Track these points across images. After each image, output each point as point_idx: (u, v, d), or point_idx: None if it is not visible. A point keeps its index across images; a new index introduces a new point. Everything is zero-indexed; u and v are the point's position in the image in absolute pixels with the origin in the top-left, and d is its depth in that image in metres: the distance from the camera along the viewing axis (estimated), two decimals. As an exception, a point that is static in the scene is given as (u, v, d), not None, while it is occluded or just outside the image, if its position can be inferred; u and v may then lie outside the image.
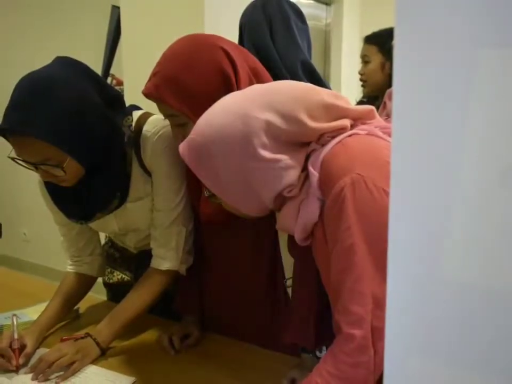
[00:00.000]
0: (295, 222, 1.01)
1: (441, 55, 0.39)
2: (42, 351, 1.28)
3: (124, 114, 1.29)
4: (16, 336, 1.25)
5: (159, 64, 1.17)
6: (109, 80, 3.03)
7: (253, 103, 0.96)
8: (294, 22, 1.54)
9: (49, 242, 3.13)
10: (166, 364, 1.27)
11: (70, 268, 1.48)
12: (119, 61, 2.75)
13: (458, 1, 0.38)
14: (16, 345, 1.23)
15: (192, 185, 1.31)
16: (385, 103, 2.14)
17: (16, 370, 1.20)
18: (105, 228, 1.44)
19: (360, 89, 2.57)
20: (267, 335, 1.31)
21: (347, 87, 3.77)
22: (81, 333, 1.31)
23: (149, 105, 1.27)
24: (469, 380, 0.43)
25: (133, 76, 2.46)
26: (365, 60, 2.45)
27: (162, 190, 1.32)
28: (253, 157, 0.95)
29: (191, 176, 1.14)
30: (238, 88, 1.12)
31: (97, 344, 1.26)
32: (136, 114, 1.33)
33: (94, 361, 1.25)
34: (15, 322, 1.31)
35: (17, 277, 2.08)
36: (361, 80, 2.50)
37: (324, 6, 3.82)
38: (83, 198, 1.28)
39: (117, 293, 1.57)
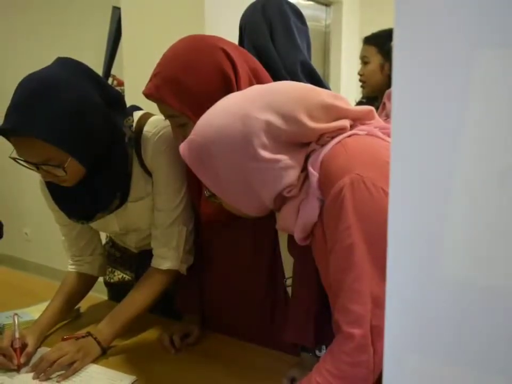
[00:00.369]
0: (295, 221, 1.01)
1: (440, 56, 0.39)
2: (43, 350, 1.28)
3: (124, 114, 1.30)
4: (17, 335, 1.25)
5: (159, 64, 1.18)
6: (109, 80, 3.03)
7: (253, 103, 0.97)
8: (293, 23, 1.55)
9: (51, 242, 3.13)
10: (167, 362, 1.27)
11: (71, 268, 1.48)
12: (119, 61, 2.76)
13: (458, 2, 0.38)
14: (17, 344, 1.23)
15: (193, 185, 1.31)
16: (384, 103, 2.15)
17: (18, 369, 1.21)
18: (106, 227, 1.45)
19: (360, 90, 2.58)
20: (267, 335, 1.32)
21: (346, 87, 3.77)
22: (82, 332, 1.31)
23: (150, 106, 1.27)
24: (467, 379, 0.43)
25: (134, 76, 2.47)
26: (364, 61, 2.45)
27: (163, 190, 1.33)
28: (253, 157, 0.95)
29: (192, 176, 1.15)
30: (238, 89, 1.12)
31: (98, 343, 1.27)
32: (136, 115, 1.33)
33: (95, 360, 1.25)
34: (16, 322, 1.31)
35: (19, 277, 2.08)
36: (360, 81, 2.50)
37: (323, 7, 3.82)
38: (84, 198, 1.28)
39: (117, 292, 1.57)
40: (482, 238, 0.40)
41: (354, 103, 2.43)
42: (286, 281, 1.23)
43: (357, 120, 1.04)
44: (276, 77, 1.34)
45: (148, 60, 1.39)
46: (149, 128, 1.30)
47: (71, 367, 1.19)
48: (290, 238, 1.11)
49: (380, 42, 2.38)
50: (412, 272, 0.43)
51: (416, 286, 0.43)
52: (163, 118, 1.23)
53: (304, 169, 1.00)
